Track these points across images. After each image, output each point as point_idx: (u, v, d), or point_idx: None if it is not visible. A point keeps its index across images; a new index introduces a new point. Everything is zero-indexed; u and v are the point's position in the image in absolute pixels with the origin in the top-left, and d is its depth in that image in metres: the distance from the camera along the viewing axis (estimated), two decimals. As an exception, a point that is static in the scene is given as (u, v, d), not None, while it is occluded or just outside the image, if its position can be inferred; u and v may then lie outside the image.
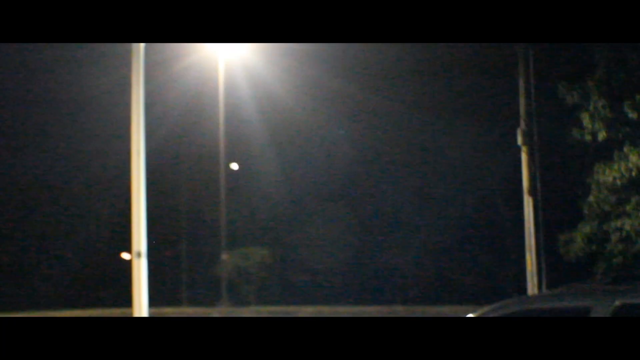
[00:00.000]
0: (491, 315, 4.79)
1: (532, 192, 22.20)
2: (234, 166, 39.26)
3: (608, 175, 21.28)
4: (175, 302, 36.42)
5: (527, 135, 22.31)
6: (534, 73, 21.59)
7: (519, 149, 22.83)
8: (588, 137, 21.61)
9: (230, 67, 34.79)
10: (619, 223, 21.57)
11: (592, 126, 21.33)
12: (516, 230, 26.49)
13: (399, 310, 31.05)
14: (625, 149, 21.05)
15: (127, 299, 16.09)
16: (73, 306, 34.21)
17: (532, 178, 22.41)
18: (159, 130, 31.15)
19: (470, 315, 4.95)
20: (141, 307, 15.31)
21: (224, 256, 35.79)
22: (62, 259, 40.25)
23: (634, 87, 20.77)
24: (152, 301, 16.51)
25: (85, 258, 40.01)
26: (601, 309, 4.31)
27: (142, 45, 15.46)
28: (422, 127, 35.52)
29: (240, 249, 36.06)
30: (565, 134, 23.64)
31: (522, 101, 22.55)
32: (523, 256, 22.61)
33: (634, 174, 20.85)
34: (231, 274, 35.43)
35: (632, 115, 20.57)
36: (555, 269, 22.71)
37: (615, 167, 21.09)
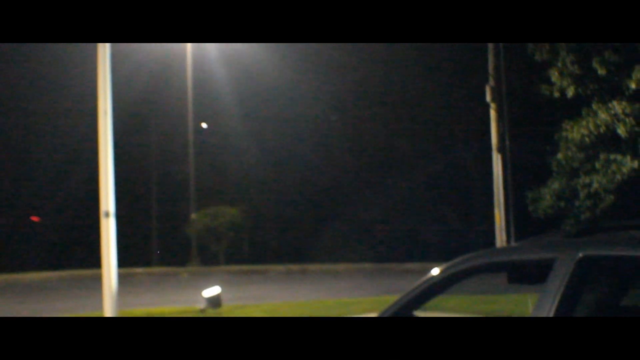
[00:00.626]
0: (454, 269, 4.77)
1: (501, 149, 22.25)
2: (204, 125, 39.14)
3: (577, 132, 21.31)
4: (145, 262, 36.41)
5: (496, 92, 22.30)
6: (502, 30, 21.48)
7: (487, 106, 22.85)
8: (557, 94, 21.63)
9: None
10: (587, 180, 21.64)
11: (560, 83, 21.33)
12: (485, 187, 26.62)
13: (369, 268, 31.16)
14: (594, 106, 21.09)
15: (98, 260, 16.09)
16: (45, 268, 34.10)
17: (500, 135, 22.46)
18: (127, 91, 30.92)
19: (436, 269, 4.91)
20: (110, 267, 15.31)
21: (194, 216, 35.77)
22: (33, 221, 40.07)
23: (602, 44, 20.76)
24: (122, 261, 16.53)
25: (57, 220, 39.89)
26: (565, 261, 4.31)
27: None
28: (390, 85, 35.50)
29: (209, 208, 36.00)
30: (534, 91, 23.68)
31: (490, 58, 22.53)
32: (492, 213, 22.71)
33: (602, 130, 20.88)
34: (201, 234, 35.41)
35: (601, 71, 20.57)
36: (524, 225, 22.82)
37: (584, 123, 21.12)
